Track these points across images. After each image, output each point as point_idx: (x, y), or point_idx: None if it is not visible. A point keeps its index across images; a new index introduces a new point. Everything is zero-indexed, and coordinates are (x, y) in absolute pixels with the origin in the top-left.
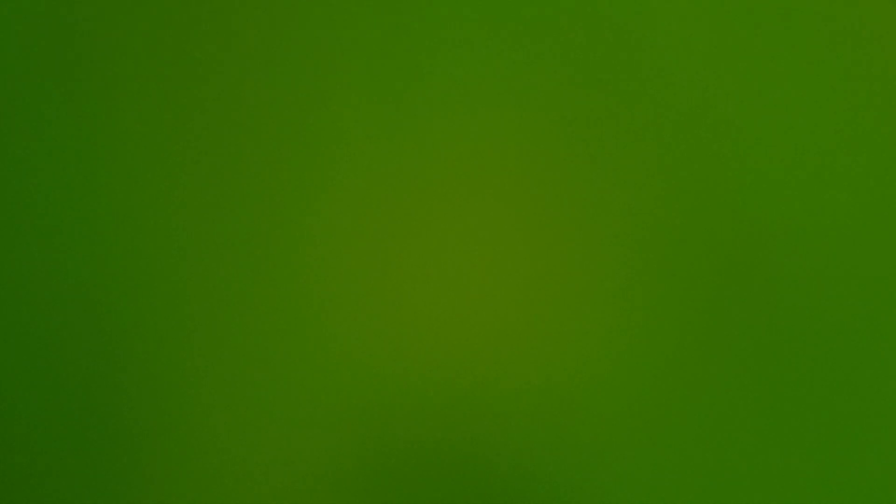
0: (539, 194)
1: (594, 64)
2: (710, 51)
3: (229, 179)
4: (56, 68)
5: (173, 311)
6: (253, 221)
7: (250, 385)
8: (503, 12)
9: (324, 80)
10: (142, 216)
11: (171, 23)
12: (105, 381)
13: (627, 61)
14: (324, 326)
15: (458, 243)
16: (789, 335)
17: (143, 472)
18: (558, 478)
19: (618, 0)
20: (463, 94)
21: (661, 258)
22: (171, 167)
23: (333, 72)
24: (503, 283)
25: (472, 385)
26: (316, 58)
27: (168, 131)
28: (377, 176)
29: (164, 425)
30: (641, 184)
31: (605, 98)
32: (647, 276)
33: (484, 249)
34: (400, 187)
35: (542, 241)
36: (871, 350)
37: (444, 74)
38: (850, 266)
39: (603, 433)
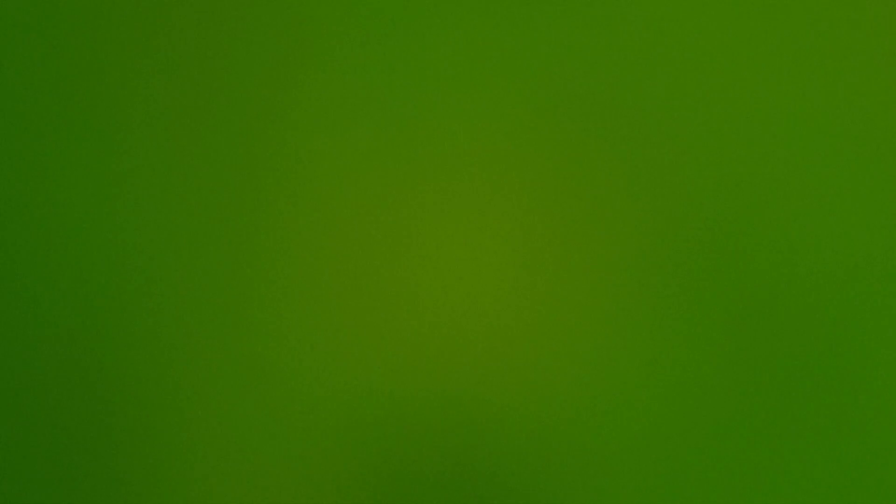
0: (538, 197)
1: (595, 67)
2: (711, 53)
3: (227, 183)
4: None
5: (168, 314)
6: (251, 225)
7: (245, 389)
8: (503, 9)
9: (322, 82)
10: (138, 217)
11: (166, 21)
12: (99, 383)
13: (627, 62)
14: (319, 331)
15: (455, 246)
16: (792, 339)
17: (137, 475)
18: (557, 485)
19: (618, 3)
20: (460, 93)
21: (662, 262)
22: (162, 170)
23: (333, 73)
24: (500, 287)
25: (469, 390)
26: (312, 57)
27: (166, 133)
28: (377, 179)
29: (156, 429)
30: (643, 188)
31: (606, 102)
32: (648, 282)
33: (482, 253)
34: (397, 190)
35: (540, 244)
36: (876, 354)
37: (441, 74)
38: (853, 270)
39: (603, 437)
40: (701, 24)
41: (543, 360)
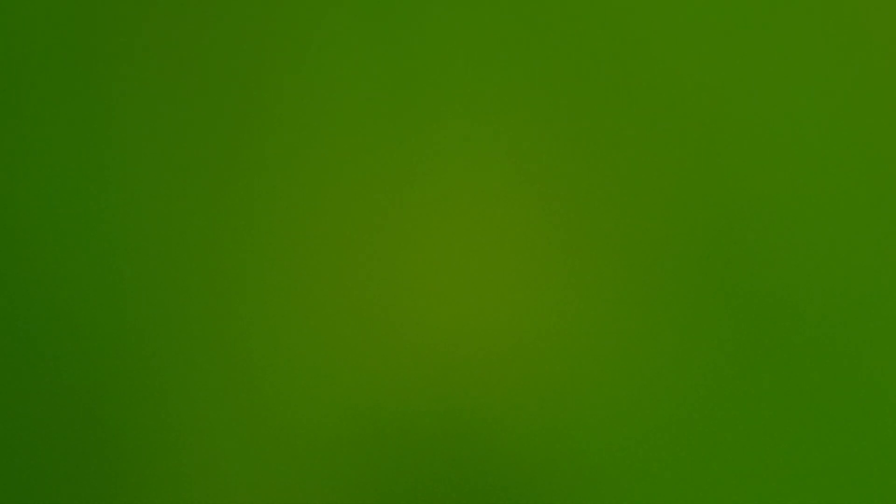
0: (538, 198)
1: (592, 66)
2: (709, 52)
3: (228, 184)
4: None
5: (169, 314)
6: (252, 225)
7: (248, 389)
8: (503, 11)
9: (323, 83)
10: (139, 217)
11: (172, 23)
12: (100, 383)
13: (625, 63)
14: (322, 330)
15: (457, 247)
16: (793, 336)
17: (136, 475)
18: (558, 483)
19: (618, 2)
20: (461, 96)
21: (662, 262)
22: (169, 169)
23: (333, 74)
24: (502, 286)
25: (470, 388)
26: (316, 59)
27: (168, 133)
28: (379, 179)
29: (154, 429)
30: (639, 187)
31: (603, 101)
32: (649, 281)
33: (483, 253)
34: (400, 191)
35: (542, 244)
36: (874, 352)
37: (442, 77)
38: (851, 267)
39: (604, 436)
40: (702, 23)
41: (545, 366)
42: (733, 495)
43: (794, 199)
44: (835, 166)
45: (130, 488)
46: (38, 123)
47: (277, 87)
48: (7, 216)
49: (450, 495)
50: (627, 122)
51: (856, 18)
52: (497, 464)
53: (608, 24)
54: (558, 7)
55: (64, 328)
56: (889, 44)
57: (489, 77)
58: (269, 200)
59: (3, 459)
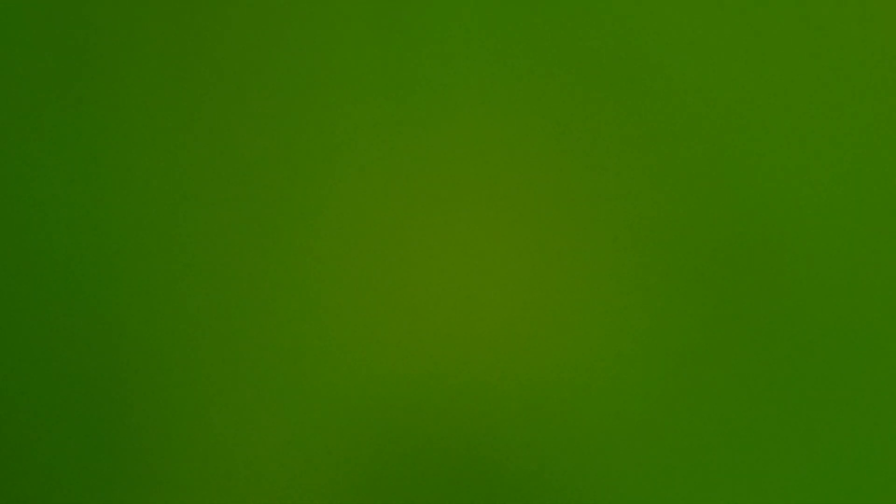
0: (540, 195)
1: (596, 65)
2: (711, 52)
3: (231, 182)
4: (54, 69)
5: (175, 313)
6: (255, 224)
7: (251, 386)
8: (505, 12)
9: (326, 82)
10: (144, 217)
11: (174, 24)
12: (106, 382)
13: (628, 62)
14: (325, 327)
15: (460, 244)
16: (793, 335)
17: (144, 472)
18: (560, 478)
19: (619, 1)
20: (464, 95)
21: (663, 259)
22: (174, 169)
23: (336, 73)
24: (505, 283)
25: (473, 385)
26: (318, 59)
27: (171, 133)
28: (380, 178)
29: (164, 426)
30: (643, 184)
31: (606, 99)
32: (649, 277)
33: (486, 250)
34: (402, 189)
35: (543, 241)
36: (876, 353)
37: (446, 76)
38: (854, 266)
39: (605, 433)
40: (703, 23)
41: (547, 355)
42: (731, 488)
43: (796, 198)
44: (837, 167)
45: (141, 484)
46: (54, 127)
47: (284, 85)
48: (33, 214)
49: (455, 488)
50: (632, 121)
51: (856, 19)
52: (502, 459)
53: (614, 22)
54: (564, 6)
55: (75, 327)
56: (889, 44)
57: (497, 77)
58: (274, 199)
59: (17, 460)
